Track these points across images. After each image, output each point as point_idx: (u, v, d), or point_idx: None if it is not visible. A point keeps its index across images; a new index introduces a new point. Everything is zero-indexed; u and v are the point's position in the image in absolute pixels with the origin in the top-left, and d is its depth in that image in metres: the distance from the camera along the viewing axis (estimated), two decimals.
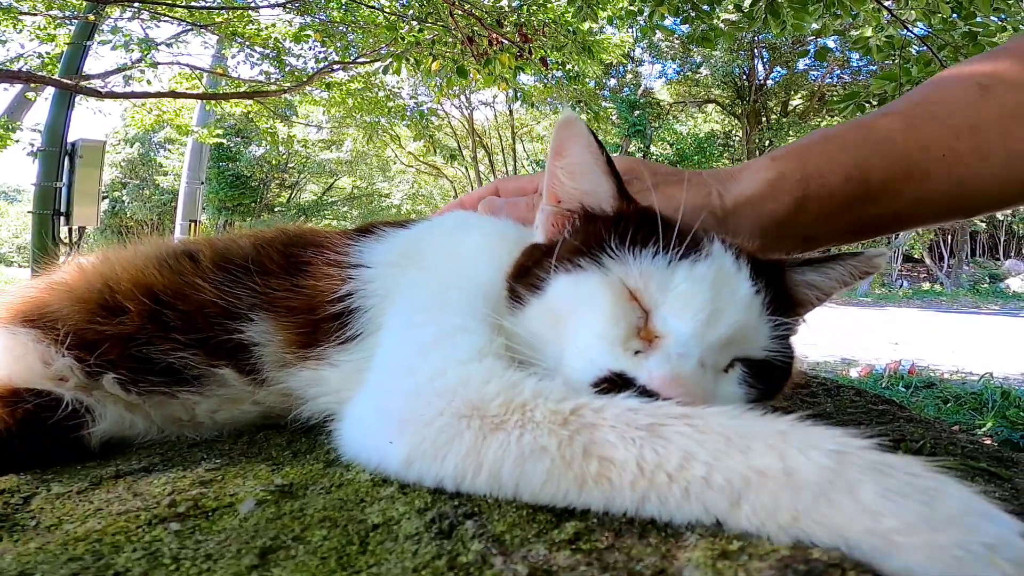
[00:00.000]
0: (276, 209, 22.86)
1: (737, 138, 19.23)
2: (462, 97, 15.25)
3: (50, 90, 5.93)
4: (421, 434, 0.43)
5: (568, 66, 6.70)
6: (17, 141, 6.21)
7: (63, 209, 6.22)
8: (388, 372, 0.52)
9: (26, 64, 6.38)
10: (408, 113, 9.98)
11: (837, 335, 6.60)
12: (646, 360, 0.44)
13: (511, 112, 17.24)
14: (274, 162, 20.52)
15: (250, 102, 8.00)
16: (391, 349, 0.55)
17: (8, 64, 6.19)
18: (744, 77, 17.62)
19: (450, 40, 5.13)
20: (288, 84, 7.25)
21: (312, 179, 23.45)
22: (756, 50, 16.76)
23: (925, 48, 3.25)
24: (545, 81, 7.80)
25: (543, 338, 0.50)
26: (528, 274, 0.54)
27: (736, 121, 18.97)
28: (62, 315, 0.63)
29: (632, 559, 0.33)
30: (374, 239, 0.70)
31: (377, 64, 6.47)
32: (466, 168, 18.85)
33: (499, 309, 0.54)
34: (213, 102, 7.92)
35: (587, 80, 8.72)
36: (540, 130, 19.29)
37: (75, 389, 0.60)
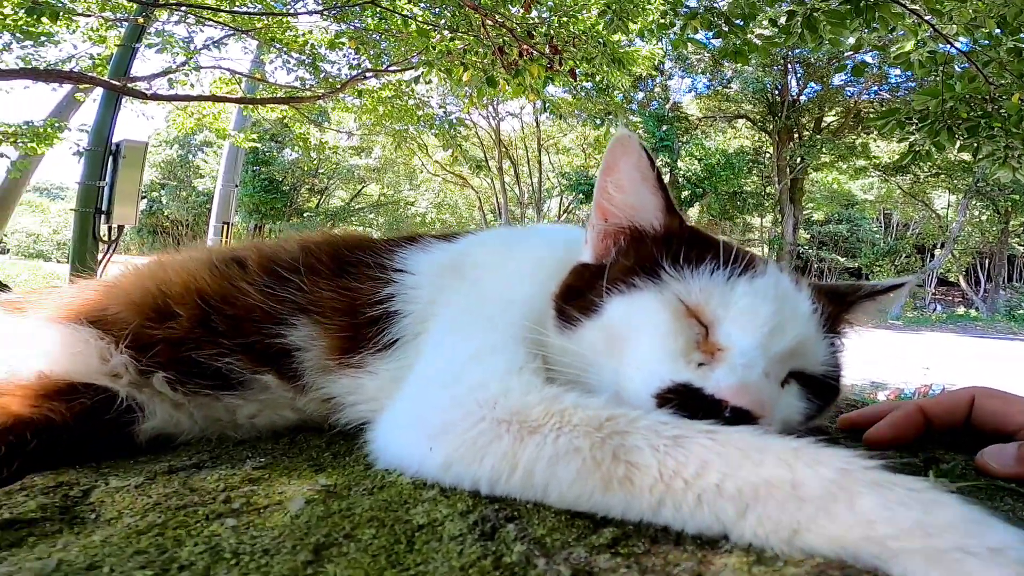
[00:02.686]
0: (305, 214, 23.32)
1: (767, 155, 18.97)
2: (490, 108, 15.38)
3: (98, 91, 6.17)
4: (461, 439, 0.44)
5: (598, 78, 6.71)
6: (63, 140, 6.47)
7: (104, 208, 6.43)
8: (429, 382, 0.53)
9: (77, 65, 6.66)
10: (437, 122, 10.11)
11: (867, 358, 6.44)
12: (711, 371, 0.44)
13: (538, 124, 17.31)
14: (305, 167, 20.94)
15: (285, 107, 8.20)
16: (432, 361, 0.56)
17: (61, 64, 6.47)
18: (776, 92, 17.39)
19: (480, 50, 5.19)
20: (322, 90, 7.41)
21: (341, 185, 23.86)
22: (790, 65, 16.56)
23: (969, 64, 3.18)
24: (573, 93, 7.82)
25: (598, 360, 0.50)
26: (579, 295, 0.54)
27: (767, 137, 18.72)
28: (119, 316, 0.66)
29: (669, 563, 0.33)
30: (420, 248, 0.72)
31: (409, 73, 6.57)
32: (491, 179, 18.97)
33: (542, 328, 0.55)
34: (250, 107, 8.15)
35: (615, 93, 8.71)
36: (566, 142, 19.32)
37: (128, 386, 0.62)
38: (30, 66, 5.40)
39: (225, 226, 11.16)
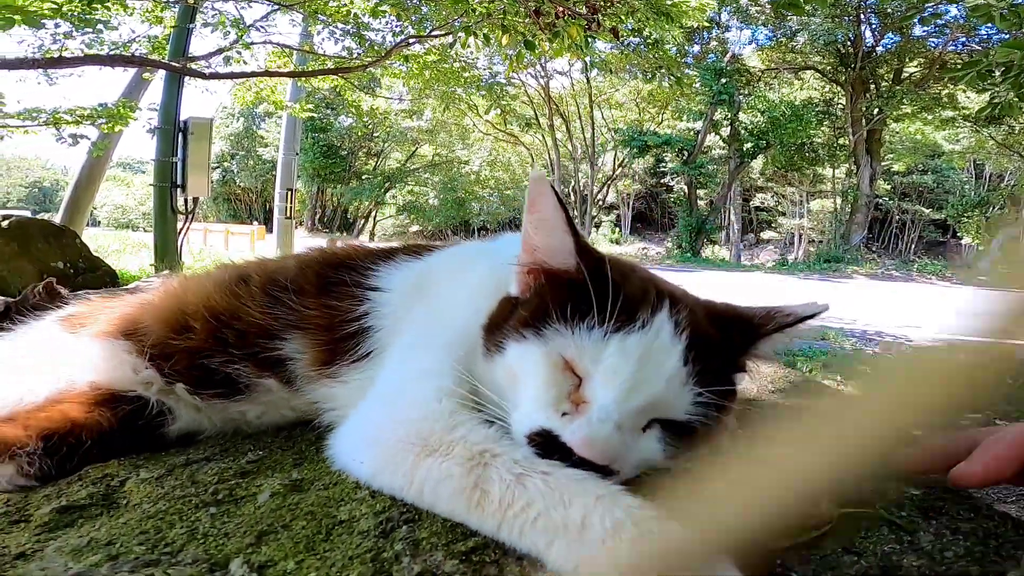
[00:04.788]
0: (364, 176, 23.92)
1: (840, 106, 17.59)
2: (538, 66, 15.01)
3: (162, 72, 6.56)
4: (383, 453, 0.56)
5: (645, 32, 6.44)
6: (136, 119, 6.95)
7: (179, 182, 6.91)
8: (377, 398, 0.64)
9: (139, 47, 7.06)
10: (484, 83, 10.01)
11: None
12: (570, 423, 0.51)
13: (588, 80, 16.76)
14: (359, 133, 21.37)
15: (336, 77, 8.38)
16: (385, 377, 0.67)
17: (123, 47, 6.87)
18: (849, 43, 15.98)
19: (521, 11, 5.10)
20: (369, 59, 7.51)
21: (396, 147, 24.21)
22: (863, 15, 15.13)
23: None
24: (621, 48, 7.53)
25: (503, 392, 0.59)
26: (496, 331, 0.61)
27: (839, 88, 17.32)
28: (149, 330, 0.81)
29: (503, 572, 0.44)
30: (393, 265, 0.81)
31: (449, 37, 6.54)
32: (543, 136, 18.67)
33: (474, 355, 0.63)
34: (303, 78, 8.39)
35: (668, 46, 8.31)
36: (620, 97, 18.62)
37: (157, 393, 0.77)
38: (92, 52, 5.77)
39: (289, 192, 11.69)
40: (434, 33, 7.18)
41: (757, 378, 1.14)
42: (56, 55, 5.57)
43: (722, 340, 0.58)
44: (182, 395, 0.78)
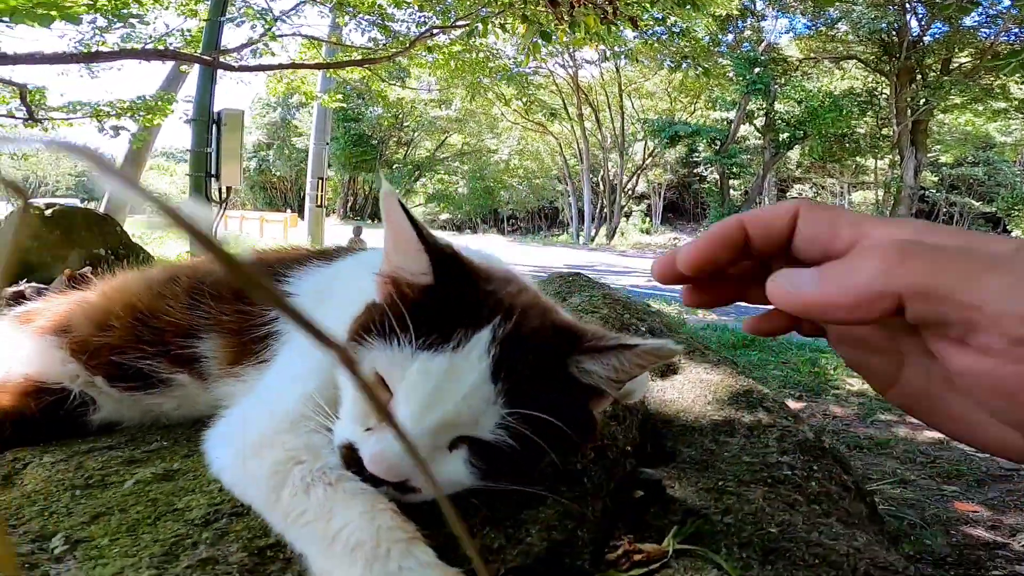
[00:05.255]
0: (394, 165, 24.23)
1: (884, 96, 16.84)
2: (565, 56, 14.85)
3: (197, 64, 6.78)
4: (229, 453, 0.59)
5: (670, 20, 6.30)
6: (173, 112, 7.22)
7: (213, 171, 7.15)
8: (246, 401, 0.68)
9: (174, 41, 7.30)
10: (512, 72, 9.98)
11: None
12: (370, 438, 0.53)
13: (618, 69, 16.49)
14: (387, 123, 21.61)
15: (362, 68, 8.50)
16: (262, 382, 0.70)
17: (159, 41, 7.11)
18: (894, 33, 15.27)
19: (539, 1, 5.06)
20: (394, 49, 7.59)
21: (425, 136, 24.41)
22: (908, 4, 14.42)
23: None
24: (644, 38, 7.39)
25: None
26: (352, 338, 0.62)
27: (883, 78, 16.58)
28: (77, 327, 0.86)
29: (285, 571, 0.47)
30: (304, 271, 0.84)
31: (463, 29, 6.53)
32: (571, 125, 18.49)
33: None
34: (332, 69, 8.54)
35: (699, 35, 8.11)
36: (650, 87, 18.25)
37: (82, 385, 0.83)
38: (129, 47, 5.99)
39: (320, 181, 12.00)
40: (458, 23, 7.21)
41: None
42: (94, 50, 5.83)
43: (550, 357, 0.56)
44: (102, 387, 0.83)
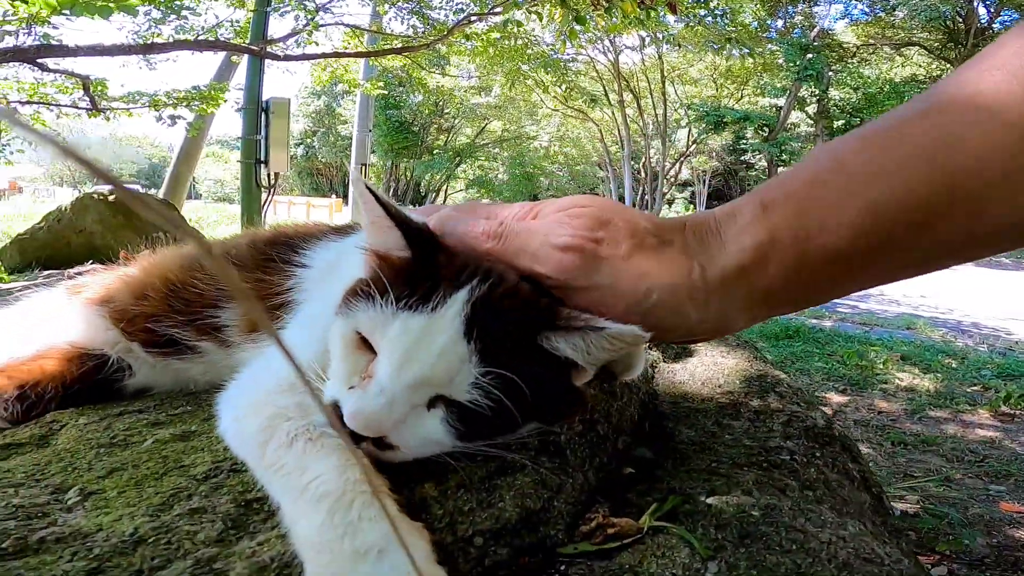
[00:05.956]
0: (435, 151, 24.43)
1: None
2: (605, 42, 14.55)
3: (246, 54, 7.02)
4: (236, 410, 0.63)
5: (713, 3, 6.10)
6: (226, 101, 7.51)
7: (263, 158, 7.41)
8: (253, 365, 0.72)
9: (224, 32, 7.56)
10: (548, 59, 9.89)
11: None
12: (351, 395, 0.55)
13: (660, 55, 16.06)
14: (428, 111, 21.76)
15: (402, 56, 8.60)
16: (269, 349, 0.75)
17: (210, 32, 7.38)
18: (960, 19, 14.33)
19: None
20: (432, 37, 7.64)
21: (466, 123, 24.49)
22: None
23: None
24: (685, 22, 7.18)
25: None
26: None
27: (948, 65, 15.59)
28: (119, 298, 0.94)
29: (267, 521, 0.51)
30: (320, 244, 0.89)
31: (502, 16, 6.50)
32: (612, 111, 18.17)
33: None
34: (374, 58, 8.68)
35: (745, 19, 7.82)
36: (694, 73, 17.70)
37: (120, 351, 0.90)
38: (182, 38, 6.24)
39: (363, 167, 12.26)
40: (495, 10, 7.19)
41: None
42: (150, 42, 6.11)
43: (521, 326, 0.56)
44: (138, 353, 0.90)
